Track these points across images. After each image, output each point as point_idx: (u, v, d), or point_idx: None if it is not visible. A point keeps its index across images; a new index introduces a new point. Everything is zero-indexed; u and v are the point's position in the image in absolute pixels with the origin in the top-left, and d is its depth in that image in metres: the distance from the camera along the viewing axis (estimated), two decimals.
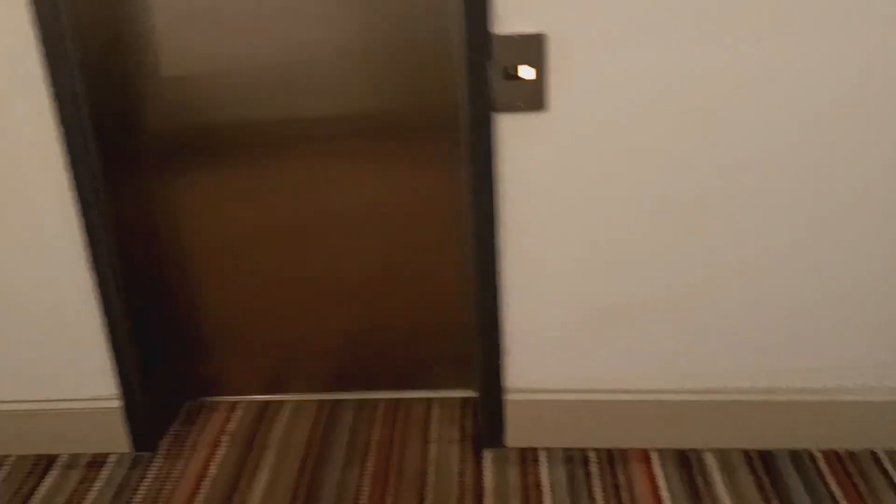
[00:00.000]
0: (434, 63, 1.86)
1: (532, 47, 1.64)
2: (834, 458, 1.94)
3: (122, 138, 1.95)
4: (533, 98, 1.69)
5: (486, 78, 1.68)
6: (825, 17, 1.60)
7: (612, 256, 1.84)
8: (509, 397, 1.99)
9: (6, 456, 2.14)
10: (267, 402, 2.26)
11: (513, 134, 1.73)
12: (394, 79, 1.89)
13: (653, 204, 1.78)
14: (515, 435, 2.03)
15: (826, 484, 1.87)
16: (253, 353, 2.22)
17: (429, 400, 2.23)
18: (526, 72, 1.66)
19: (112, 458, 2.10)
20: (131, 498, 1.96)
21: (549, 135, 1.73)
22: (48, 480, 2.04)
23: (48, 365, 2.04)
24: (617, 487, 1.90)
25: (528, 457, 2.01)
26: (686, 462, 1.96)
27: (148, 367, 2.08)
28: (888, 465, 1.91)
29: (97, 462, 2.09)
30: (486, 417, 2.02)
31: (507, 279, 1.87)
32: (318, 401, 2.25)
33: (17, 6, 1.69)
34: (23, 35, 1.71)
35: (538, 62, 1.66)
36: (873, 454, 1.94)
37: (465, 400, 2.22)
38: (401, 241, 2.07)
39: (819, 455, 1.95)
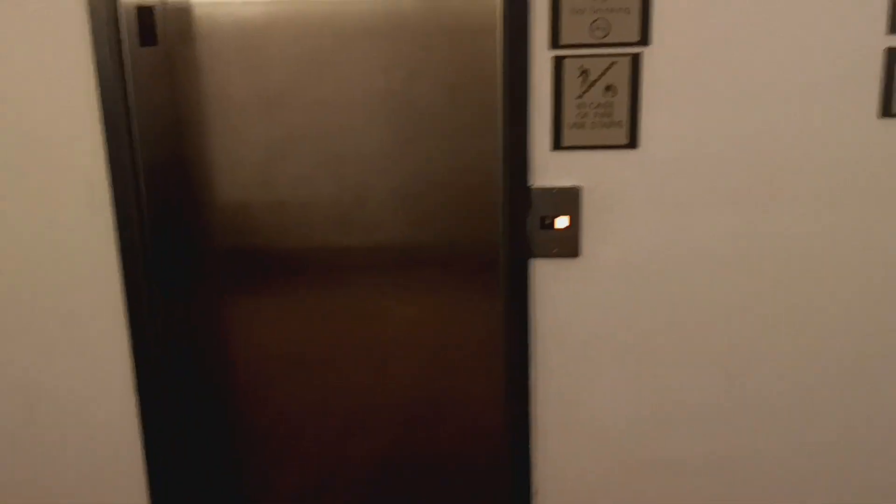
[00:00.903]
0: (476, 209, 1.97)
1: (568, 199, 1.75)
2: None
3: (177, 261, 2.04)
4: (567, 245, 1.79)
5: (524, 226, 1.78)
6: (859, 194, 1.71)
7: (645, 405, 1.87)
8: None
9: None
10: None
11: (547, 278, 1.81)
12: (438, 221, 2.00)
13: (687, 353, 1.83)
14: None
15: None
16: (286, 479, 2.23)
17: None
18: (561, 221, 1.76)
19: None
20: None
21: (582, 280, 1.81)
22: None
23: (84, 490, 2.06)
24: None
25: None
26: None
27: (183, 492, 2.09)
28: None
29: None
30: None
31: (539, 419, 1.90)
32: None
33: (94, 134, 1.81)
34: (95, 159, 1.83)
35: (573, 212, 1.76)
36: None
37: None
38: (436, 374, 2.11)
39: None
